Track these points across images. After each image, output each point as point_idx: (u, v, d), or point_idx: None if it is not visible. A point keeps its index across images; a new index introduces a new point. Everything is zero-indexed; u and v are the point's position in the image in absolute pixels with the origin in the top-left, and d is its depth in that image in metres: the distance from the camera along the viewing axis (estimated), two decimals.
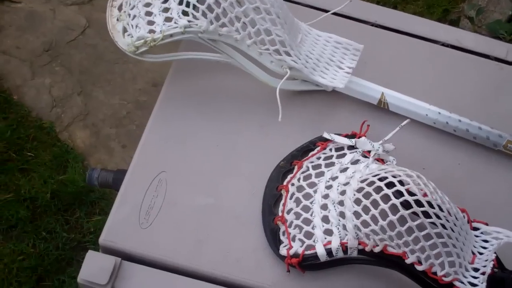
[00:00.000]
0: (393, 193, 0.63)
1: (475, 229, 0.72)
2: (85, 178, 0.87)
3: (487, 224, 0.73)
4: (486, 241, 0.71)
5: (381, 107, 0.83)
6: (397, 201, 0.62)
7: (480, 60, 0.92)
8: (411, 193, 0.63)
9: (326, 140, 0.78)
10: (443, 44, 0.93)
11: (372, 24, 0.93)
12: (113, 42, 0.75)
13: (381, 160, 0.75)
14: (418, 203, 0.62)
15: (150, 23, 0.74)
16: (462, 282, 0.65)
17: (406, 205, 0.62)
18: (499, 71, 0.92)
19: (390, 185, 0.64)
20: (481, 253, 0.69)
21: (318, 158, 0.77)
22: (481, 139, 0.82)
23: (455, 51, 0.93)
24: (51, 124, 1.72)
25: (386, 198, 0.63)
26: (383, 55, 0.90)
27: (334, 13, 0.88)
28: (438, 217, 0.63)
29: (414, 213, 0.62)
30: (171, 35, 0.72)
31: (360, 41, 0.85)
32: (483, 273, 0.66)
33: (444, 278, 0.65)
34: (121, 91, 1.80)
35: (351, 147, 0.77)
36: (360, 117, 0.81)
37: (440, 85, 0.89)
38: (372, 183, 0.66)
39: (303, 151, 0.78)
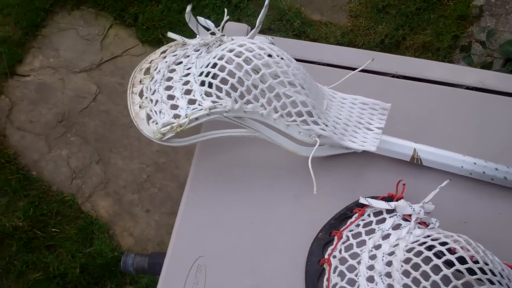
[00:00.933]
0: (443, 262, 0.61)
1: None
2: (115, 254, 0.85)
3: None
4: None
5: (414, 163, 0.81)
6: (448, 272, 0.60)
7: (507, 99, 0.90)
8: (461, 260, 0.61)
9: (363, 205, 0.75)
10: (467, 87, 0.91)
11: (393, 75, 0.92)
12: (125, 105, 0.74)
13: (423, 223, 0.72)
14: (471, 271, 0.60)
15: (174, 107, 0.73)
16: None
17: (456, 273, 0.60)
18: None
19: (439, 253, 0.62)
20: None
21: (357, 226, 0.74)
22: None
23: (480, 93, 0.91)
24: (73, 197, 1.71)
25: (436, 269, 0.61)
26: (409, 106, 0.88)
27: (353, 69, 0.86)
28: (491, 282, 0.61)
29: (467, 282, 0.60)
30: (196, 118, 0.71)
31: (383, 94, 0.84)
32: None
33: None
34: (139, 154, 1.80)
35: (390, 210, 0.74)
36: (394, 175, 0.79)
37: (470, 131, 0.87)
38: (420, 253, 0.63)
39: (341, 219, 0.75)
